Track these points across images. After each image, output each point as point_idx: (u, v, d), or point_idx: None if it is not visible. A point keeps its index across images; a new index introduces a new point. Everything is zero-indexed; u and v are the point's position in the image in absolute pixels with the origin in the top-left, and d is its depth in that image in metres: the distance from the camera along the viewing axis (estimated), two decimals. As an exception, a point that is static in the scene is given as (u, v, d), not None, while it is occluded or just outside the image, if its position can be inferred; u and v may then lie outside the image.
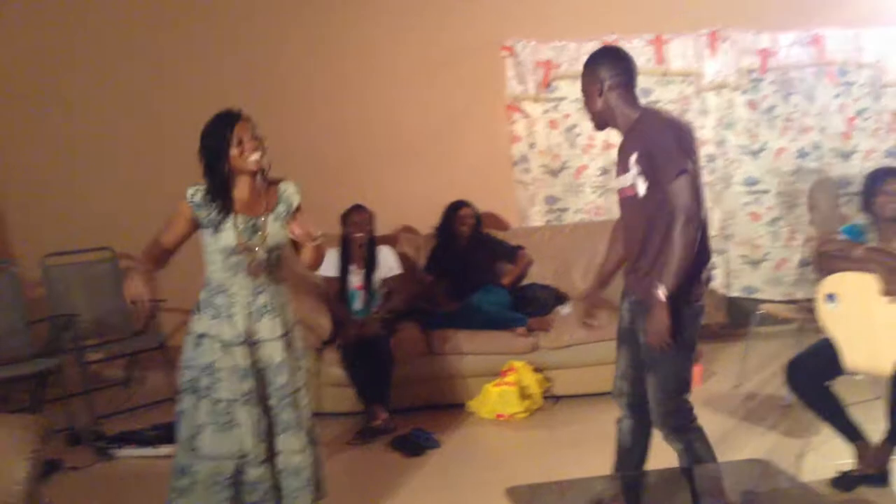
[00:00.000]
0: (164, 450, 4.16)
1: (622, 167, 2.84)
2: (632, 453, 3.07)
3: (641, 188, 2.75)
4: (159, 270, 3.00)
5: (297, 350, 3.01)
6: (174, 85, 5.43)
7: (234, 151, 2.82)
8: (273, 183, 2.98)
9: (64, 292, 5.12)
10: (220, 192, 2.85)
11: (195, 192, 2.88)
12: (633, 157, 2.75)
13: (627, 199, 2.85)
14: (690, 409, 2.88)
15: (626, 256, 3.01)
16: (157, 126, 5.42)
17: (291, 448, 2.93)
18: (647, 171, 2.71)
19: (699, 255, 2.74)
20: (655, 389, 2.84)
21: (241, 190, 2.89)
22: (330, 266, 4.80)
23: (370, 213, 4.86)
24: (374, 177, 5.56)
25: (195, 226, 2.91)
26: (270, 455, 2.93)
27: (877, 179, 3.50)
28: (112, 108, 5.45)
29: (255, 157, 2.84)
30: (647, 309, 2.77)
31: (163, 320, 5.31)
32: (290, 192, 2.98)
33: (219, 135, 2.82)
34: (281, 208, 2.95)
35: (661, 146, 2.68)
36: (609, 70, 2.82)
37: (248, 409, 2.86)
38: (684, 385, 2.86)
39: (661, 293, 2.66)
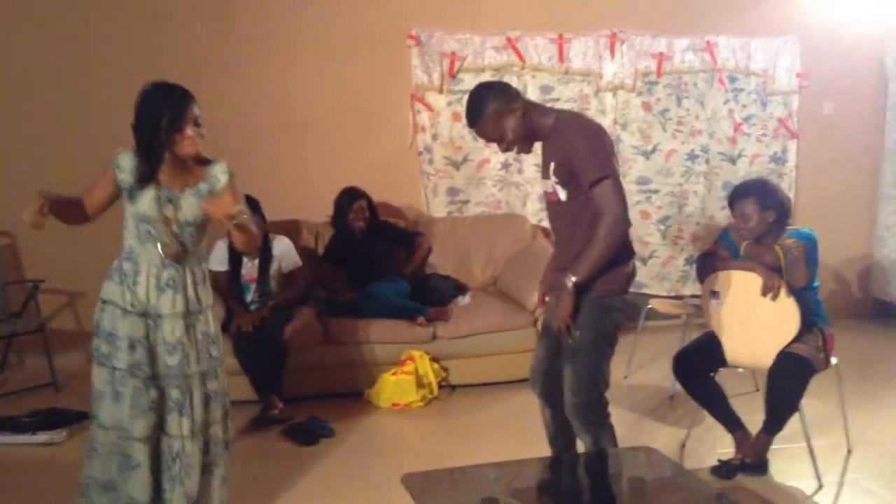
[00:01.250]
0: (41, 437, 3.98)
1: (545, 173, 2.91)
2: (558, 438, 3.15)
3: (562, 195, 2.83)
4: (64, 217, 2.77)
5: (204, 334, 2.89)
6: (59, 60, 5.15)
7: (177, 136, 2.69)
8: (202, 162, 2.85)
9: (-66, 270, 4.81)
10: (150, 166, 2.74)
11: (120, 154, 2.77)
12: (552, 167, 2.82)
13: (551, 203, 2.93)
14: (605, 405, 2.94)
15: (554, 252, 3.09)
16: (39, 101, 5.14)
17: (175, 431, 2.83)
18: (566, 180, 2.80)
19: (620, 251, 2.82)
20: (571, 381, 2.89)
21: (168, 165, 2.78)
22: (218, 259, 4.64)
23: (257, 205, 4.55)
24: (274, 162, 5.44)
25: (118, 189, 2.79)
26: (156, 435, 2.83)
27: (732, 198, 3.61)
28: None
29: (197, 145, 2.73)
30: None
31: (42, 302, 5.04)
32: (215, 172, 2.85)
33: (168, 114, 2.67)
34: (203, 186, 2.83)
35: (578, 154, 2.73)
36: (507, 94, 2.84)
37: (132, 382, 2.77)
38: (601, 379, 2.91)
39: (570, 281, 2.75)
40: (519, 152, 2.94)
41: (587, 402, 2.90)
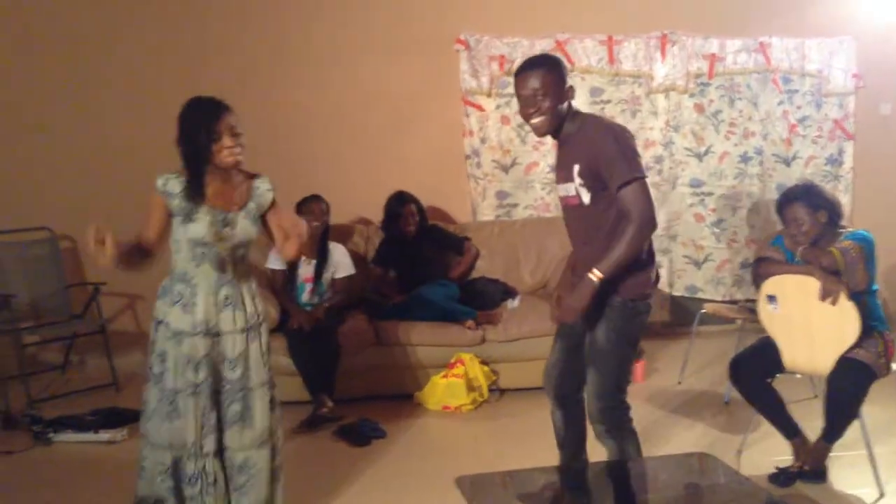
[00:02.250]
0: (103, 435, 4.09)
1: (564, 175, 2.87)
2: (568, 442, 3.13)
3: (585, 198, 2.80)
4: (130, 263, 2.79)
5: (263, 346, 2.94)
6: (119, 64, 5.29)
7: (215, 147, 2.74)
8: (246, 176, 2.91)
9: (0, 272, 4.95)
10: (196, 182, 2.78)
11: (166, 181, 2.79)
12: (576, 169, 2.78)
13: (571, 206, 2.90)
14: (628, 409, 2.92)
15: (576, 257, 3.06)
16: (100, 105, 5.28)
17: (239, 444, 2.87)
18: (591, 182, 2.77)
19: (646, 254, 2.82)
20: (595, 384, 2.87)
21: (215, 181, 2.82)
22: (276, 258, 4.74)
23: (326, 204, 4.79)
24: (325, 167, 5.51)
25: (170, 214, 2.82)
26: (220, 450, 2.87)
27: (781, 204, 3.57)
28: (53, 86, 5.28)
29: (236, 154, 2.77)
30: (597, 305, 2.81)
31: (104, 304, 5.18)
32: (262, 189, 2.92)
33: (203, 125, 2.73)
34: (252, 206, 2.89)
35: (606, 157, 2.70)
36: (568, 78, 2.83)
37: (194, 400, 2.80)
38: (624, 382, 2.90)
39: (595, 276, 2.71)
40: (536, 128, 2.83)
41: (611, 407, 2.88)
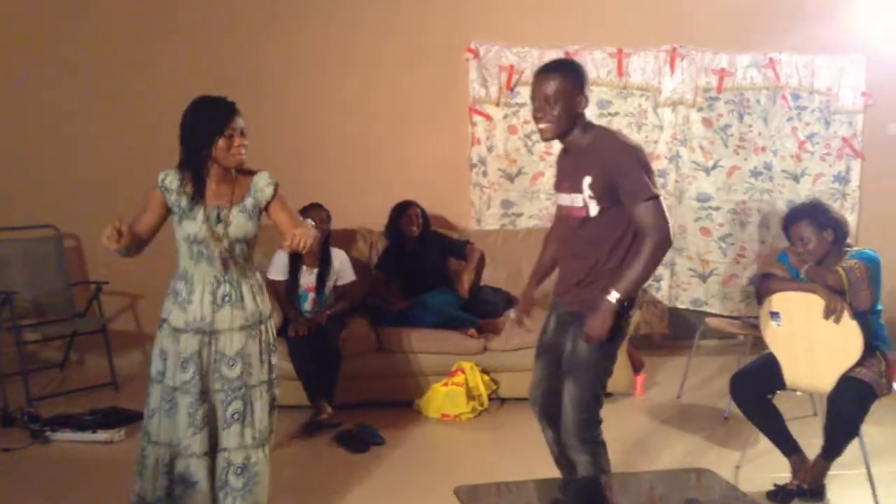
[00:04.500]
0: (101, 435, 4.08)
1: (570, 186, 2.85)
2: (563, 458, 3.10)
3: (594, 210, 2.79)
4: (131, 250, 2.79)
5: (265, 343, 2.93)
6: (127, 65, 5.30)
7: (222, 143, 2.75)
8: (246, 174, 2.90)
9: (3, 269, 4.96)
10: (196, 180, 2.79)
11: (166, 177, 2.81)
12: (587, 181, 2.77)
13: (574, 218, 2.88)
14: (600, 422, 2.93)
15: (560, 269, 3.06)
16: (108, 105, 5.29)
17: (240, 443, 2.84)
18: (602, 196, 2.76)
19: None
20: (573, 396, 2.87)
21: (213, 180, 2.83)
22: (278, 268, 4.71)
23: (327, 213, 4.78)
24: (330, 173, 5.52)
25: (168, 211, 2.84)
26: (211, 452, 2.85)
27: (787, 222, 3.56)
28: (61, 85, 5.29)
29: (243, 154, 2.79)
30: (580, 319, 2.83)
31: (105, 304, 5.18)
32: (261, 185, 2.88)
33: (212, 123, 2.75)
34: (248, 202, 2.87)
35: (626, 173, 2.71)
36: (586, 89, 2.82)
37: (184, 399, 2.80)
38: (601, 394, 2.92)
39: (614, 297, 2.72)
40: (543, 132, 2.83)
41: (587, 420, 2.88)
